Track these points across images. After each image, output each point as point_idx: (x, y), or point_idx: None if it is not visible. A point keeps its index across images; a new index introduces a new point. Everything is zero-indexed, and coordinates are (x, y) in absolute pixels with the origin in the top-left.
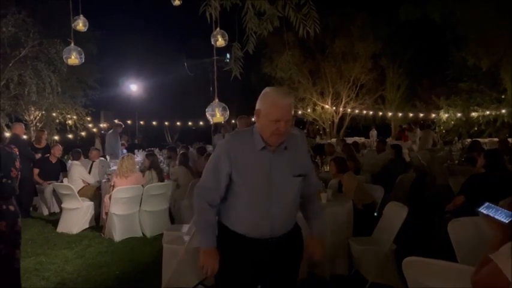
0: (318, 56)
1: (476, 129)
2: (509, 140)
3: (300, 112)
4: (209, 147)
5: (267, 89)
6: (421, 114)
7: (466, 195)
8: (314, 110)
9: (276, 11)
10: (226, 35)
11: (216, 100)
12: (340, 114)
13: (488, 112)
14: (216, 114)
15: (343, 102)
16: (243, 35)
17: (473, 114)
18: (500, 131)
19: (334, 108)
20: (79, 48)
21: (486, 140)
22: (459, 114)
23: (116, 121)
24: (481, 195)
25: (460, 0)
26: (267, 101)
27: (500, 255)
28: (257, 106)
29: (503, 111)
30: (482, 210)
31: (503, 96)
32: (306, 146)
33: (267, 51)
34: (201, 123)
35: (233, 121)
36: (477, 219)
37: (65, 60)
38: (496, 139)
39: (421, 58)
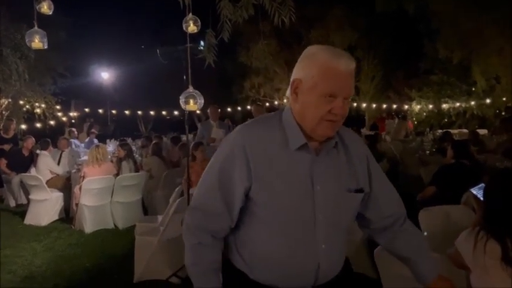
0: (294, 46)
1: (447, 120)
2: (478, 131)
3: (276, 102)
4: (184, 137)
5: (313, 48)
6: (395, 106)
7: (437, 185)
8: (289, 100)
9: None
10: (199, 21)
11: (190, 88)
12: None
13: (458, 104)
14: (190, 102)
15: None
16: (218, 22)
17: (444, 106)
18: (470, 122)
19: None
20: (43, 32)
21: (456, 131)
22: (431, 106)
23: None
24: (451, 185)
25: None
26: (316, 63)
27: (459, 239)
28: (294, 75)
29: (473, 103)
30: (473, 190)
31: (473, 89)
32: (363, 145)
33: (242, 40)
34: (175, 112)
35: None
36: (447, 208)
37: (28, 44)
38: (465, 130)
39: (396, 50)
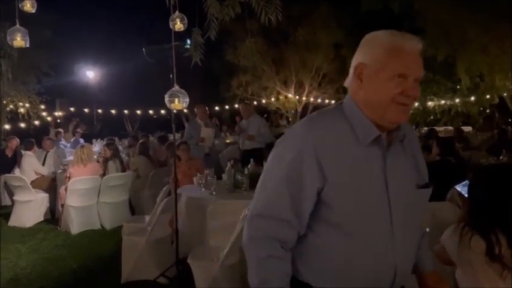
0: (281, 44)
1: (432, 117)
2: (463, 128)
3: (264, 101)
4: (171, 136)
5: (373, 33)
6: None
7: None
8: (278, 99)
9: None
10: (186, 19)
11: (176, 86)
12: (303, 104)
13: (443, 101)
14: (175, 101)
15: (306, 91)
16: (205, 21)
17: (430, 103)
18: (455, 119)
19: (297, 97)
20: (25, 30)
21: (441, 128)
22: (416, 104)
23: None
24: (436, 182)
25: None
26: (381, 44)
27: (444, 235)
28: (356, 60)
29: (457, 100)
30: (458, 187)
31: (458, 87)
32: (416, 136)
33: (230, 38)
34: (162, 111)
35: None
36: (432, 204)
37: (9, 42)
38: (451, 127)
39: None
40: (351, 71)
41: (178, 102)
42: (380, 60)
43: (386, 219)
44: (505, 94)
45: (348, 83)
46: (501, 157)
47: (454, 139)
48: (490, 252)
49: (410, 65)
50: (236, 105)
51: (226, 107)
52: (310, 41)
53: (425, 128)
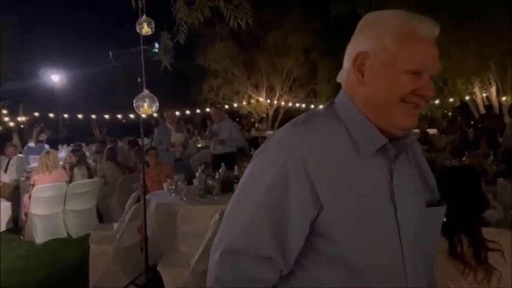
0: (252, 48)
1: None
2: (428, 130)
3: (235, 105)
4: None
5: (378, 13)
6: None
7: None
8: (249, 102)
9: (206, 0)
10: (153, 23)
11: (145, 91)
12: (274, 107)
13: None
14: (144, 105)
15: (277, 95)
16: (174, 25)
17: None
18: (420, 122)
19: (268, 101)
20: None
21: None
22: None
23: None
24: None
25: None
26: (390, 29)
27: None
28: (355, 48)
29: None
30: None
31: None
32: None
33: (200, 41)
34: (131, 116)
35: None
36: None
37: None
38: (417, 130)
39: None
40: (347, 62)
41: (148, 107)
42: (389, 49)
43: (396, 249)
44: (467, 98)
45: (341, 77)
46: (464, 158)
47: (420, 141)
48: (453, 251)
49: (426, 57)
50: (207, 109)
51: (198, 111)
52: (280, 45)
53: None
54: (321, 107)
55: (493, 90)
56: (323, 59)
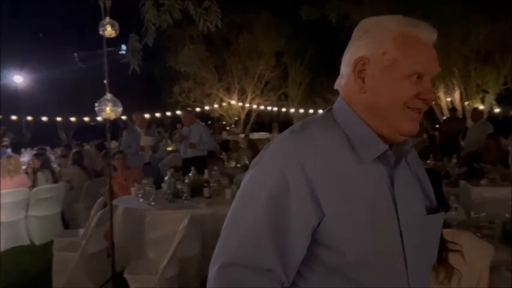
0: (224, 51)
1: None
2: None
3: (207, 108)
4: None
5: (374, 19)
6: (320, 111)
7: None
8: (221, 105)
9: (175, 2)
10: (117, 25)
11: (107, 94)
12: (246, 110)
13: None
14: (106, 109)
15: (248, 98)
16: (142, 26)
17: None
18: None
19: (240, 104)
20: None
21: None
22: None
23: None
24: None
25: (353, 4)
26: (389, 34)
27: None
28: (354, 53)
29: None
30: None
31: None
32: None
33: (171, 43)
34: (99, 118)
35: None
36: None
37: None
38: None
39: (321, 57)
40: (346, 68)
41: (110, 111)
42: (389, 53)
43: (399, 258)
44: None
45: (340, 84)
46: (428, 161)
47: None
48: None
49: (427, 60)
50: (178, 112)
51: (168, 113)
52: (252, 48)
53: None
54: (292, 110)
55: (457, 94)
56: (294, 62)
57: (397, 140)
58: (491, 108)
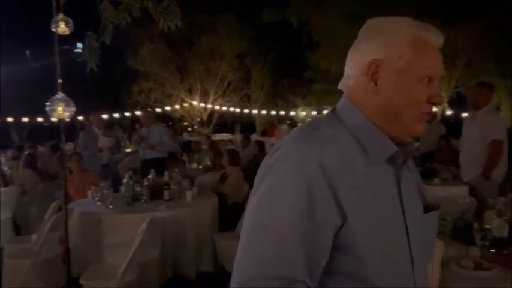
0: (185, 52)
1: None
2: None
3: (168, 108)
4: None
5: (387, 20)
6: (282, 113)
7: None
8: (182, 106)
9: (134, 1)
10: (71, 22)
11: (59, 94)
12: (208, 111)
13: None
14: (58, 109)
15: (211, 99)
16: (100, 24)
17: (325, 112)
18: None
19: (202, 105)
20: None
21: None
22: (314, 113)
23: None
24: None
25: (313, 8)
26: (404, 38)
27: None
28: (366, 55)
29: None
30: None
31: None
32: None
33: (131, 43)
34: (53, 119)
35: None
36: None
37: None
38: None
39: (283, 59)
40: (355, 69)
41: (62, 111)
42: (405, 57)
43: (407, 258)
44: None
45: (347, 84)
46: None
47: None
48: None
49: (437, 64)
50: (138, 113)
51: (127, 114)
52: (214, 49)
53: None
54: (255, 112)
55: None
56: (257, 64)
57: (404, 141)
58: (444, 111)
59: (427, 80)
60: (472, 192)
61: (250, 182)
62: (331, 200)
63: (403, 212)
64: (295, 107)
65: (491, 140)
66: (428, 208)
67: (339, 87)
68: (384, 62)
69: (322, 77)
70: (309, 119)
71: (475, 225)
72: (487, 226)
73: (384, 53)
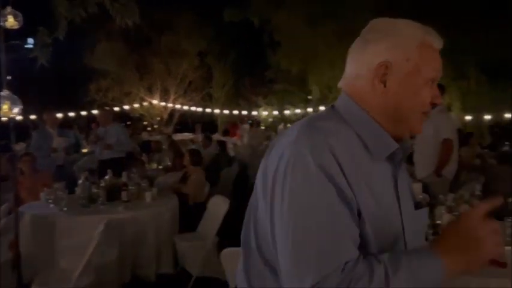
0: (145, 50)
1: (290, 125)
2: None
3: (126, 107)
4: (16, 146)
5: (394, 21)
6: (245, 112)
7: None
8: (142, 105)
9: None
10: (21, 16)
11: (5, 91)
12: (169, 111)
13: (298, 110)
14: (3, 107)
15: (171, 98)
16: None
17: (287, 112)
18: None
19: (163, 104)
20: None
21: None
22: (276, 112)
23: None
24: None
25: (274, 8)
26: (412, 41)
27: None
28: (375, 56)
29: (310, 110)
30: None
31: (309, 97)
32: None
33: (88, 40)
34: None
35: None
36: None
37: None
38: None
39: (244, 59)
40: (363, 69)
41: (8, 109)
42: (413, 60)
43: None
44: None
45: (351, 84)
46: None
47: None
48: None
49: (440, 67)
50: (95, 112)
51: (83, 113)
52: (174, 48)
53: None
54: (217, 111)
55: None
56: (218, 63)
57: (403, 139)
58: None
59: (431, 82)
60: (425, 189)
61: (212, 182)
62: (347, 185)
63: (400, 209)
64: (257, 106)
65: (443, 139)
66: (417, 205)
67: (339, 85)
68: (393, 65)
69: (283, 77)
70: (270, 119)
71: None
72: (437, 222)
73: (393, 55)
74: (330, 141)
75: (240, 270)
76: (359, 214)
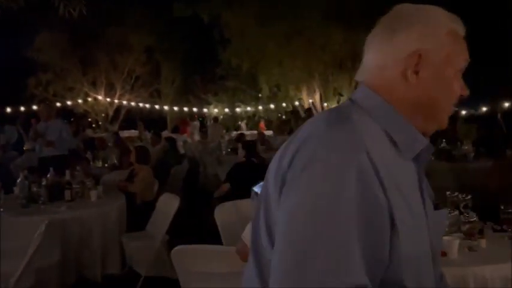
0: (90, 43)
1: (240, 123)
2: (265, 132)
3: (69, 103)
4: None
5: (422, 7)
6: (195, 109)
7: (230, 182)
8: (86, 101)
9: None
10: None
11: None
12: (115, 107)
13: (249, 108)
14: None
15: (117, 94)
16: None
17: (238, 109)
18: (258, 124)
19: (108, 99)
20: None
21: (248, 132)
22: (226, 110)
23: None
24: (242, 181)
25: (224, 5)
26: (444, 28)
27: (245, 231)
28: (404, 44)
29: (260, 107)
30: (256, 188)
31: (260, 95)
32: None
33: (26, 29)
34: None
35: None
36: (238, 202)
37: None
38: (255, 131)
39: (194, 55)
40: (389, 60)
41: None
42: (445, 48)
43: (429, 257)
44: (296, 103)
45: (377, 75)
46: None
47: (258, 142)
48: None
49: (468, 56)
50: (35, 107)
51: (22, 108)
52: (121, 42)
53: (235, 133)
54: (166, 107)
55: (317, 97)
56: (167, 59)
57: (429, 135)
58: None
59: (460, 71)
60: None
61: (161, 180)
62: (381, 191)
63: (425, 211)
64: (207, 104)
65: None
66: (436, 206)
67: (357, 78)
68: (426, 54)
69: (233, 75)
70: (221, 116)
71: None
72: None
73: (425, 44)
74: (365, 138)
75: (249, 271)
76: (392, 226)
